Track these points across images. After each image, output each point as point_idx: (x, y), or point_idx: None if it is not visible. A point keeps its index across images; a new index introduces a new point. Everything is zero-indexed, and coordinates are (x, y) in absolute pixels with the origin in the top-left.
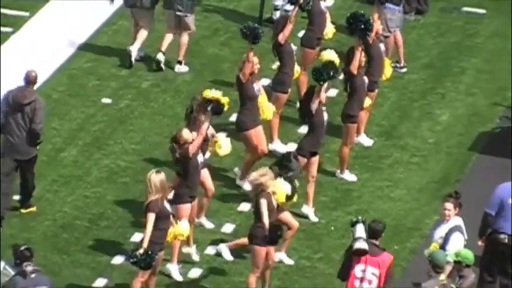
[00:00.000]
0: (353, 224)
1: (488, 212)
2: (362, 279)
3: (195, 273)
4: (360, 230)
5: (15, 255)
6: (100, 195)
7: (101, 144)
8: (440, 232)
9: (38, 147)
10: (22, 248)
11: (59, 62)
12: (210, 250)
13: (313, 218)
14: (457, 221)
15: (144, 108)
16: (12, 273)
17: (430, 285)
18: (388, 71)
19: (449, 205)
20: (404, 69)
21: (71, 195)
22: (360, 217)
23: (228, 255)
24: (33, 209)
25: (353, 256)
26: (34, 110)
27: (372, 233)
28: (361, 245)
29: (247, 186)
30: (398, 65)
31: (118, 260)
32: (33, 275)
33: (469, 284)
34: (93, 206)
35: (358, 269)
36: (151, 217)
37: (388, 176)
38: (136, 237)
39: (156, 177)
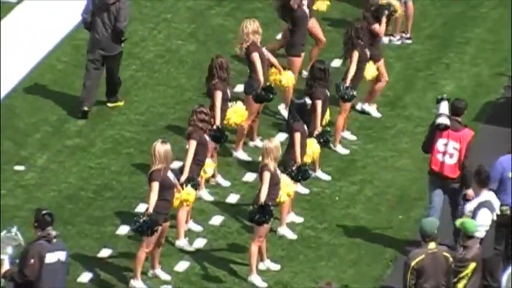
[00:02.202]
0: (438, 101)
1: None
2: (444, 153)
3: (199, 243)
4: (444, 107)
5: (36, 219)
6: (104, 166)
7: (106, 115)
8: (470, 206)
9: (122, 44)
10: (44, 212)
11: (63, 32)
12: (214, 220)
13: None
14: (488, 196)
15: (148, 79)
16: (21, 240)
17: (415, 254)
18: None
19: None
20: (410, 41)
21: (76, 166)
22: (444, 95)
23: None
24: (121, 103)
25: (436, 131)
26: (119, 9)
27: (455, 110)
28: (444, 120)
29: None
30: (404, 35)
31: (123, 230)
32: (55, 240)
33: (472, 255)
34: (98, 177)
35: (440, 143)
36: (154, 186)
37: (392, 146)
38: (140, 207)
39: (161, 147)
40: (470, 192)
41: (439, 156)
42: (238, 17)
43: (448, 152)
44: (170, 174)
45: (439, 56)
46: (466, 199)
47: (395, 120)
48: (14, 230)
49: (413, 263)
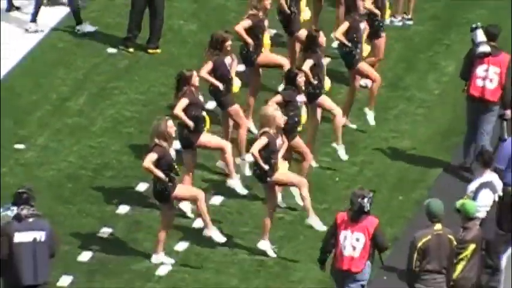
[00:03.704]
0: (472, 30)
1: (498, 166)
2: (484, 78)
3: (199, 223)
4: (480, 34)
5: (13, 197)
6: (105, 145)
7: (106, 94)
8: (472, 186)
9: None
10: (20, 190)
11: (65, 11)
12: (214, 200)
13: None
14: (490, 177)
15: (149, 59)
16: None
17: (421, 234)
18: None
19: None
20: (411, 22)
21: (76, 144)
22: (478, 23)
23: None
24: (158, 51)
25: (475, 59)
26: None
27: (490, 36)
28: (485, 48)
29: None
30: (405, 16)
31: (123, 209)
32: (30, 219)
33: (472, 236)
34: (98, 156)
35: (480, 69)
36: (152, 156)
37: (393, 127)
38: (141, 186)
39: (162, 124)
40: (508, 112)
41: (479, 82)
42: None
43: (489, 77)
44: (172, 152)
45: (440, 37)
46: (504, 118)
47: (396, 101)
48: (15, 209)
49: (419, 244)
